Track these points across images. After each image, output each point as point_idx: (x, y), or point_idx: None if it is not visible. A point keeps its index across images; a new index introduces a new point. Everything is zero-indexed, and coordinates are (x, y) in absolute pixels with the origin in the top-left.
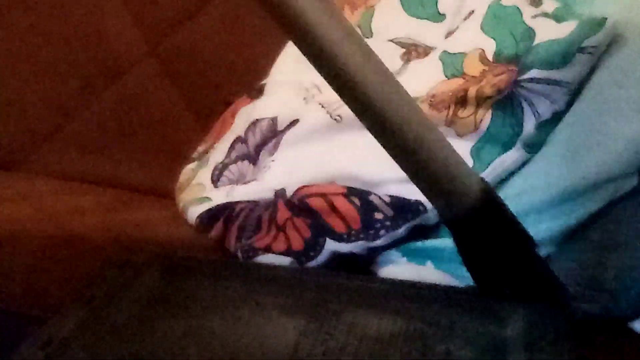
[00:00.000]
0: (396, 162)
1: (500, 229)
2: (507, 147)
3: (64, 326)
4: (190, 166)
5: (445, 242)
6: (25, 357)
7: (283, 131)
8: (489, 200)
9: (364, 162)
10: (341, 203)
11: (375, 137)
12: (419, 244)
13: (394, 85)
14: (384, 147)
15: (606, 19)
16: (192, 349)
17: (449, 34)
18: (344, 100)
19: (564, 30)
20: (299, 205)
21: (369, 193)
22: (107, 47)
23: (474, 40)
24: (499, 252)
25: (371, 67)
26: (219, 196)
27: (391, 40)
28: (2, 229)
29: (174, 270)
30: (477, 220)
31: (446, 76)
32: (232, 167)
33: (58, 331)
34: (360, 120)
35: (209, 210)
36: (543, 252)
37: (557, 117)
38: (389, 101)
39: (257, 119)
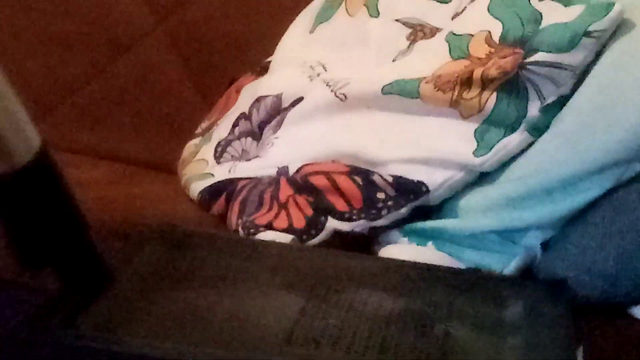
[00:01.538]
0: None
1: (45, 202)
2: (511, 129)
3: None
4: (194, 142)
5: (447, 223)
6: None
7: (287, 108)
8: (39, 168)
9: (367, 141)
10: (344, 182)
11: None
12: (421, 224)
13: None
14: None
15: (613, 3)
16: (191, 323)
17: (455, 15)
18: None
19: (571, 14)
20: (302, 182)
21: (372, 172)
22: (114, 21)
23: (480, 22)
24: (42, 226)
25: None
26: (221, 172)
27: (398, 20)
28: None
29: (176, 245)
30: (22, 185)
31: (452, 57)
32: (235, 144)
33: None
34: None
35: (211, 186)
36: (543, 235)
37: (562, 101)
38: None
39: (261, 96)
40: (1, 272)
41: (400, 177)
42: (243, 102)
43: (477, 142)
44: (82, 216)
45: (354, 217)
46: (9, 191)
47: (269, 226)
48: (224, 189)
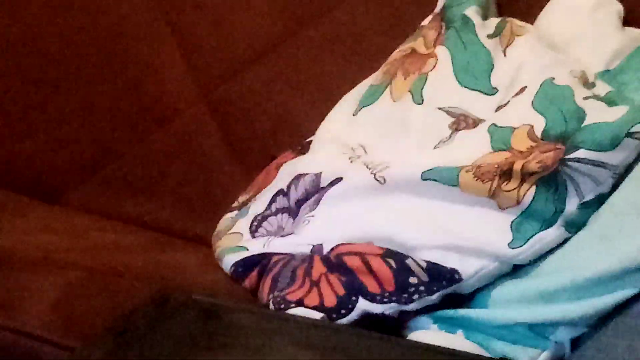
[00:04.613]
0: None
1: None
2: (547, 224)
3: (91, 356)
4: (230, 215)
5: (477, 313)
6: None
7: (325, 188)
8: None
9: (403, 225)
10: (377, 264)
11: None
12: (451, 312)
13: None
14: None
15: None
16: None
17: (499, 107)
18: None
19: (615, 114)
20: (335, 262)
21: (405, 256)
22: (160, 92)
23: (523, 116)
24: None
25: None
26: (255, 246)
27: (441, 109)
28: (37, 254)
29: (207, 314)
30: None
31: (493, 148)
32: (272, 219)
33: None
34: None
35: (245, 259)
36: (574, 332)
37: (600, 199)
38: None
39: (300, 174)
40: None
41: (434, 263)
42: (282, 178)
43: (513, 234)
44: None
45: (385, 300)
46: None
47: (300, 303)
48: (257, 263)
